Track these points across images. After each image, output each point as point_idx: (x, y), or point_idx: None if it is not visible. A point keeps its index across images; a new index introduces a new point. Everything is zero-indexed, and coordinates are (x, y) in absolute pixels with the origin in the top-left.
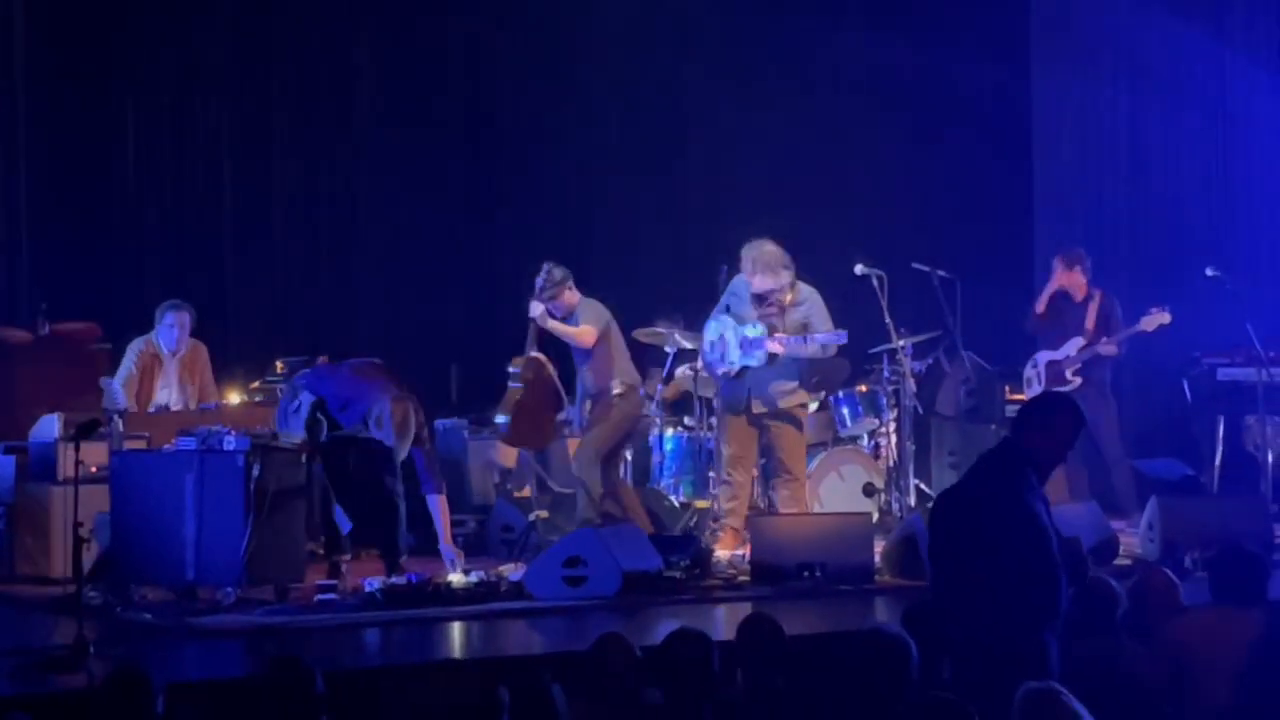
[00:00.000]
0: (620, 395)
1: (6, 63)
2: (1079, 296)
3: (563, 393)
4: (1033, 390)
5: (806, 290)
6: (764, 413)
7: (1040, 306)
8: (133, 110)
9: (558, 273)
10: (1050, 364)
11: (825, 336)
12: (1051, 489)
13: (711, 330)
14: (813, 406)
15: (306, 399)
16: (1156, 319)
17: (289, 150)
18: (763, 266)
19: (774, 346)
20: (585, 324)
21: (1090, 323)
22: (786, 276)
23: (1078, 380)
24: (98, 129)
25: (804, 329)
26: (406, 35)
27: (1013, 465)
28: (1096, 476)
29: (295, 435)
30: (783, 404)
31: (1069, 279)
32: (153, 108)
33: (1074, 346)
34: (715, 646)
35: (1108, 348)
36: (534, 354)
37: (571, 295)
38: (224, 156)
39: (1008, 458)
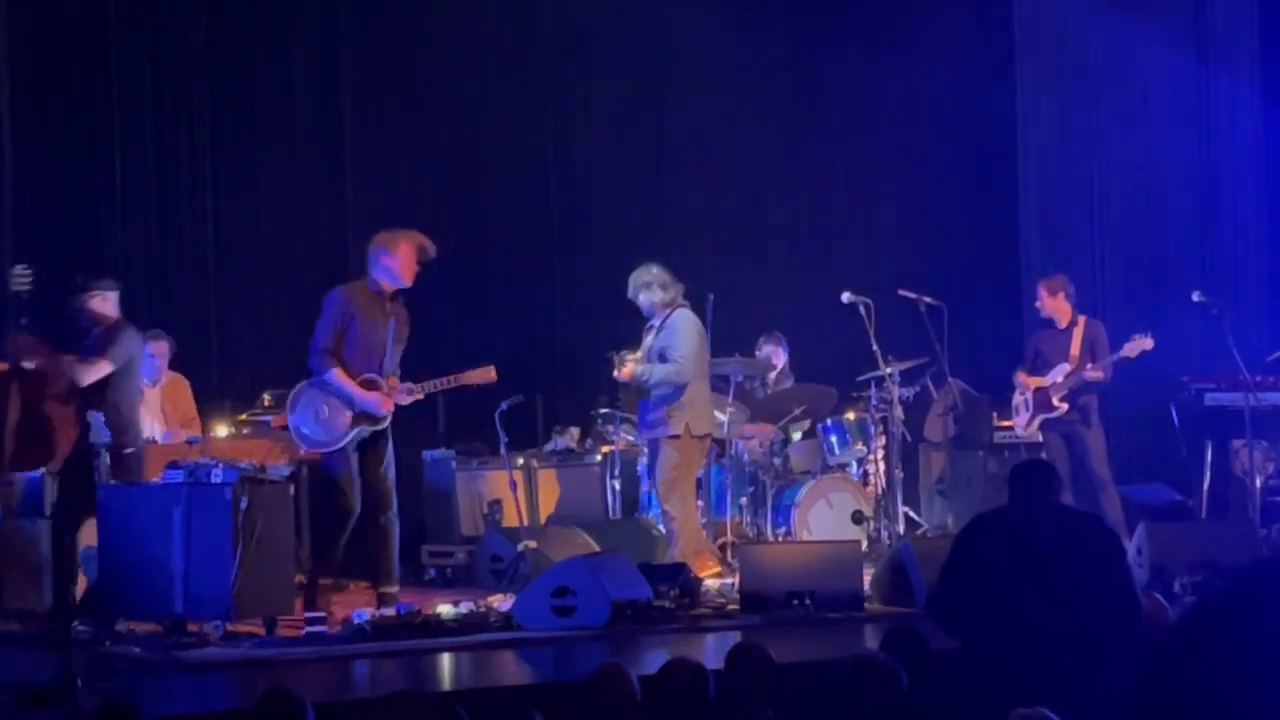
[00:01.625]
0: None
1: None
2: (1063, 323)
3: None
4: (1021, 417)
5: (675, 315)
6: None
7: (1026, 366)
8: (119, 142)
9: (98, 283)
10: (1038, 391)
11: (661, 371)
12: None
13: None
14: (797, 434)
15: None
16: (1139, 344)
17: (275, 181)
18: (637, 286)
19: (619, 374)
20: (104, 355)
21: (1075, 349)
22: (658, 295)
23: (1064, 407)
24: (83, 160)
25: (661, 354)
26: (393, 62)
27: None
28: (1084, 502)
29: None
30: (653, 434)
31: (1053, 305)
32: (138, 139)
33: (1060, 373)
34: (710, 676)
35: (1094, 374)
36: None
37: (105, 309)
38: (209, 186)
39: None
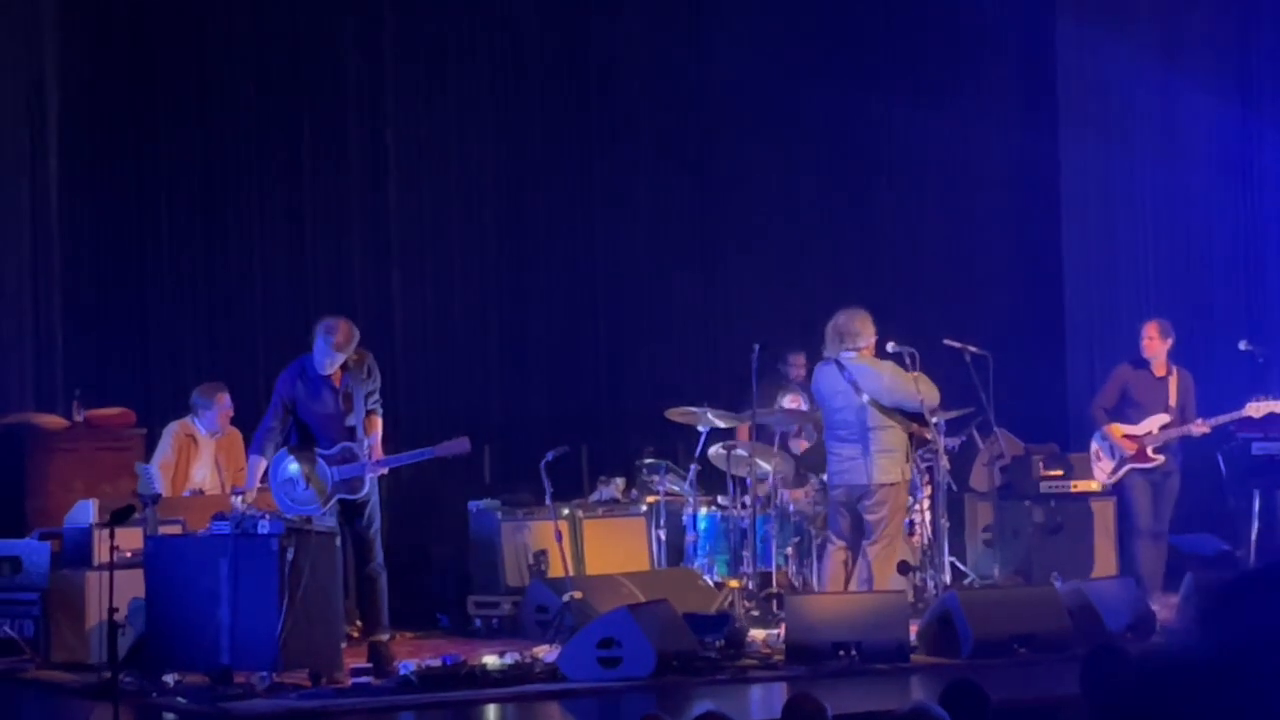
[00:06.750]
0: None
1: (41, 150)
2: (1160, 371)
3: None
4: (1100, 464)
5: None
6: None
7: (1109, 402)
8: (166, 195)
9: None
10: (1127, 438)
11: None
12: (1101, 564)
13: None
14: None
15: None
16: (1266, 406)
17: (322, 233)
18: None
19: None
20: None
21: (1173, 399)
22: (851, 341)
23: (1160, 458)
24: (131, 215)
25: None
26: (438, 127)
27: None
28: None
29: None
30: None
31: (1160, 348)
32: (186, 192)
33: (1156, 423)
34: None
35: (1201, 429)
36: None
37: None
38: (256, 241)
39: None
